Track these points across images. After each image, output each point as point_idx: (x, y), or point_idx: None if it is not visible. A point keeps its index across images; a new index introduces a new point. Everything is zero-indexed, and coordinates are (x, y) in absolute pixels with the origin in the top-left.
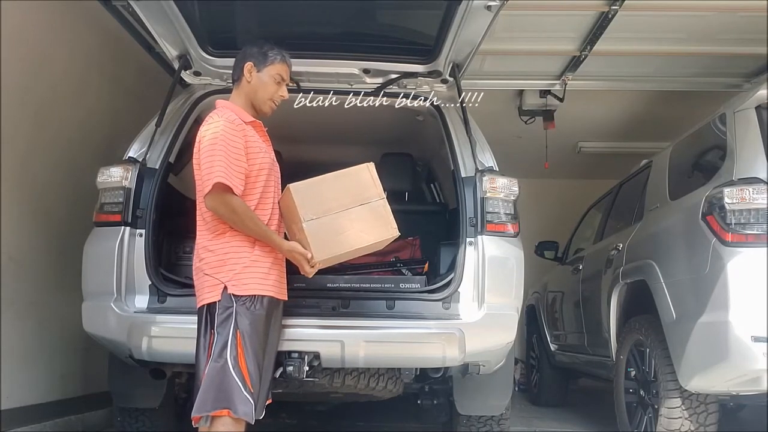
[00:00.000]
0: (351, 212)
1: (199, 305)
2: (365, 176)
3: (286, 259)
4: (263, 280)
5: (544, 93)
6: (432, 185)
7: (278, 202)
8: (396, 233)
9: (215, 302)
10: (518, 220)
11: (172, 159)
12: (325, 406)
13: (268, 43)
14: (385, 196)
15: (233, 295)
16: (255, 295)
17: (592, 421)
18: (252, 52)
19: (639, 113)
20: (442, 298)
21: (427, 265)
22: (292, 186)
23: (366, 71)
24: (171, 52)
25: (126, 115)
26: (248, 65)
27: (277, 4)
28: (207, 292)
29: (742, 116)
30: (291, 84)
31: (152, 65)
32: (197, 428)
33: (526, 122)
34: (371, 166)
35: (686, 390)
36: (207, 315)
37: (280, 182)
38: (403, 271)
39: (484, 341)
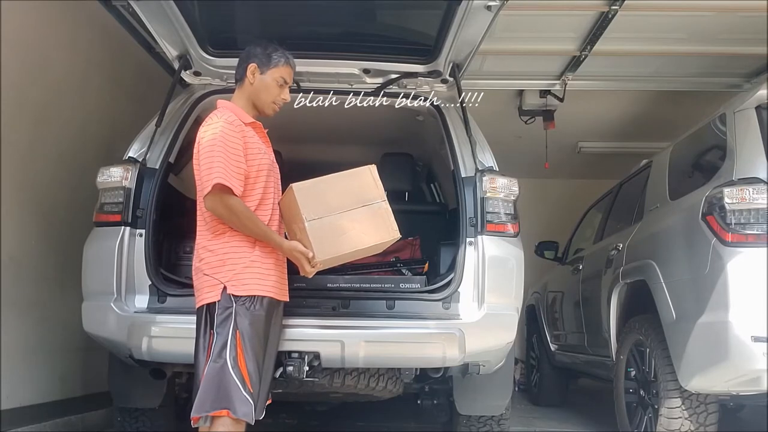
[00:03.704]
0: (352, 213)
1: (198, 305)
2: (367, 178)
3: (287, 260)
4: (263, 280)
5: (544, 93)
6: (432, 185)
7: (279, 203)
8: (397, 235)
9: (215, 302)
10: (518, 220)
11: (172, 159)
12: (325, 406)
13: (272, 45)
14: (386, 199)
15: (233, 295)
16: (254, 296)
17: (592, 421)
18: (256, 52)
19: (639, 113)
20: (442, 298)
21: (427, 265)
22: (295, 186)
23: (366, 71)
24: (171, 52)
25: (126, 115)
26: (251, 66)
27: (277, 4)
28: (206, 292)
29: (742, 116)
30: (292, 85)
31: (152, 65)
32: (197, 428)
33: (526, 122)
34: (373, 168)
35: (686, 390)
36: (206, 315)
37: (280, 183)
38: (403, 271)
39: (484, 341)
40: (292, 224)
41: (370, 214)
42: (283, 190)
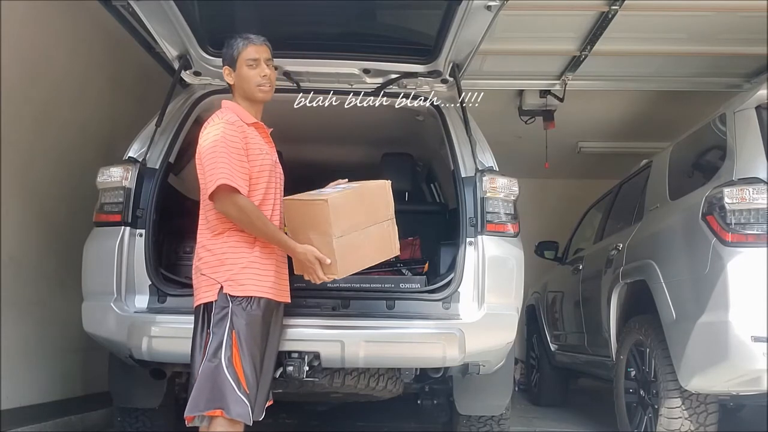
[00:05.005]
0: (367, 231)
1: (196, 304)
2: (384, 195)
3: (287, 261)
4: (261, 281)
5: (544, 93)
6: (432, 185)
7: (287, 204)
8: (397, 253)
9: (212, 302)
10: (518, 220)
11: (172, 159)
12: (325, 406)
13: (232, 38)
14: (394, 217)
15: (229, 295)
16: (251, 296)
17: (592, 421)
18: (224, 54)
19: (639, 113)
20: (442, 298)
21: (427, 265)
22: (331, 199)
23: (366, 71)
24: (171, 52)
25: (126, 115)
26: (225, 70)
27: (277, 4)
28: (204, 292)
29: (742, 116)
30: (291, 84)
31: (152, 65)
32: (195, 428)
33: (526, 122)
34: (389, 185)
35: (686, 390)
36: (204, 314)
37: (282, 183)
38: (403, 271)
39: (484, 341)
40: (309, 232)
41: (381, 232)
42: (285, 191)
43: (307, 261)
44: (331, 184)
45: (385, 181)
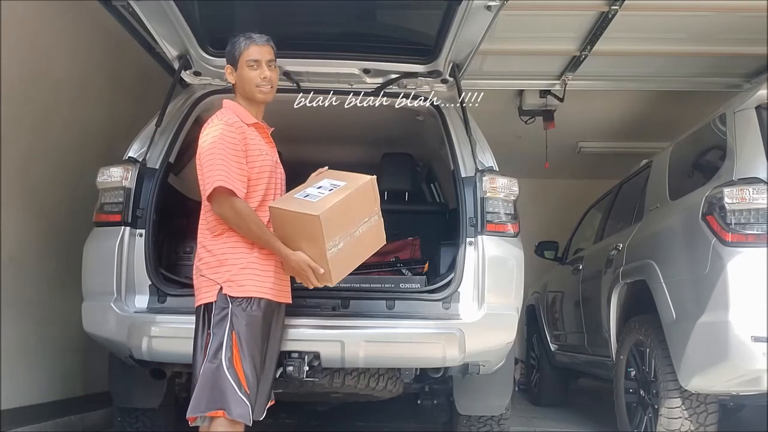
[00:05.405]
0: (357, 231)
1: (196, 305)
2: (370, 192)
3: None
4: (260, 282)
5: (544, 93)
6: (432, 185)
7: (273, 211)
8: (384, 242)
9: (212, 302)
10: (518, 220)
11: (172, 159)
12: (325, 406)
13: (236, 36)
14: (380, 210)
15: (229, 296)
16: (251, 297)
17: (592, 421)
18: (226, 53)
19: (639, 113)
20: (442, 298)
21: (427, 265)
22: (322, 215)
23: (366, 71)
24: (171, 52)
25: (126, 115)
26: (227, 69)
27: (277, 4)
28: (204, 293)
29: (742, 116)
30: (291, 84)
31: (152, 65)
32: (195, 428)
33: (526, 122)
34: (374, 180)
35: (686, 390)
36: (204, 315)
37: (284, 184)
38: (403, 271)
39: (484, 341)
40: (299, 240)
41: (370, 229)
42: (286, 191)
43: (300, 269)
44: (313, 175)
45: (371, 177)
